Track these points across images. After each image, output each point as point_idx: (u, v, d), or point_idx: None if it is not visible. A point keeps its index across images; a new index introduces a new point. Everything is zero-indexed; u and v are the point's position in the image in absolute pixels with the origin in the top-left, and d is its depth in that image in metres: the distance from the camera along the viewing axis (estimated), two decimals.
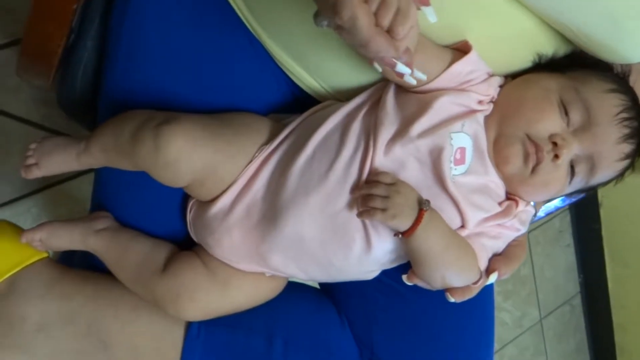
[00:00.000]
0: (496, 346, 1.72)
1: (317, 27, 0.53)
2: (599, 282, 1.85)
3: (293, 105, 0.62)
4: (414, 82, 0.49)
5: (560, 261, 1.86)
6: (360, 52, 0.44)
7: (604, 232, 1.77)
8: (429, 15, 0.44)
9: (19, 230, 0.62)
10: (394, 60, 0.44)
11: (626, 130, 0.54)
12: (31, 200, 1.07)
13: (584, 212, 1.79)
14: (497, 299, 1.71)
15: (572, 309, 1.91)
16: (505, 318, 1.73)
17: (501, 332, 1.72)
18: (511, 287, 1.73)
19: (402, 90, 0.55)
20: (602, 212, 1.74)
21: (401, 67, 0.45)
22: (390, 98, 0.54)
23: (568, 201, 1.12)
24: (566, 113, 0.54)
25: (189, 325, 0.59)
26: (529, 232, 0.61)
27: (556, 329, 1.87)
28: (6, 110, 1.01)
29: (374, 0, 0.41)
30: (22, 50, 0.59)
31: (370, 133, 0.52)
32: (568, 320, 1.91)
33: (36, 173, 0.61)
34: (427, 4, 0.43)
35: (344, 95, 0.58)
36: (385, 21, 0.42)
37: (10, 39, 0.98)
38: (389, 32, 0.42)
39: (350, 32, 0.42)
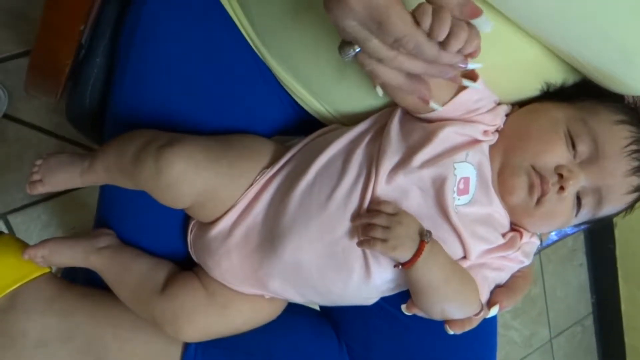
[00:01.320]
0: None
1: (325, 54, 0.53)
2: (612, 302, 1.81)
3: (298, 128, 0.62)
4: (439, 108, 0.50)
5: (573, 280, 1.83)
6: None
7: (618, 253, 1.74)
8: (483, 25, 0.43)
9: (22, 245, 0.63)
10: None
11: (635, 163, 0.53)
12: (41, 207, 1.08)
13: (598, 232, 1.76)
14: (506, 317, 1.68)
15: (583, 330, 1.88)
16: (514, 337, 1.71)
17: (509, 351, 1.70)
18: (521, 306, 1.70)
19: (407, 118, 0.54)
20: (617, 232, 1.71)
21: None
22: (394, 126, 0.53)
23: (578, 229, 1.10)
24: (573, 145, 0.53)
25: (187, 346, 0.59)
26: (540, 250, 0.60)
27: (566, 349, 1.84)
28: (20, 117, 1.02)
29: (426, 18, 0.41)
30: (29, 66, 0.60)
31: (372, 161, 0.52)
32: (579, 340, 1.87)
33: (40, 189, 0.61)
34: (478, 14, 0.42)
35: (350, 120, 0.58)
36: (442, 35, 0.41)
37: (26, 48, 1.00)
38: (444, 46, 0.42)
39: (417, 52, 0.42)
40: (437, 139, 0.51)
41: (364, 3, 0.40)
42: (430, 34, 0.41)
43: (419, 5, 0.41)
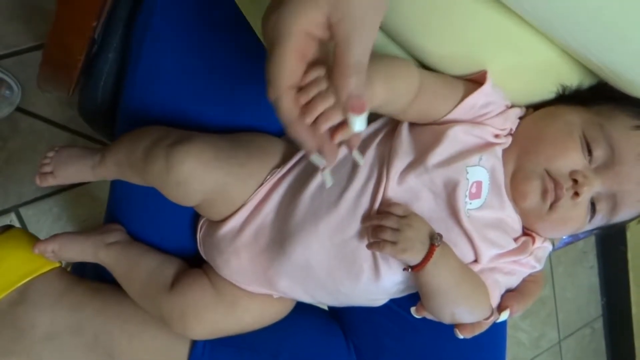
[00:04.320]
0: None
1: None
2: (623, 305, 1.79)
3: None
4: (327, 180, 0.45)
5: (583, 282, 1.81)
6: None
7: (629, 255, 1.72)
8: (355, 124, 0.39)
9: (33, 239, 0.63)
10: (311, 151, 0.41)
11: None
12: (53, 200, 1.09)
13: (610, 234, 1.75)
14: (515, 318, 1.67)
15: (592, 332, 1.86)
16: (522, 338, 1.69)
17: (517, 352, 1.69)
18: (530, 307, 1.68)
19: None
20: (629, 235, 1.69)
21: (315, 158, 0.42)
22: (405, 127, 0.53)
23: (590, 233, 1.09)
24: (589, 150, 0.52)
25: (194, 344, 0.59)
26: (551, 252, 0.59)
27: (575, 351, 1.83)
28: (33, 110, 1.02)
29: (306, 91, 0.39)
30: (42, 61, 0.60)
31: (384, 162, 0.51)
32: (588, 343, 1.86)
33: (51, 181, 0.62)
34: (359, 112, 0.39)
35: None
36: (308, 118, 0.39)
37: (41, 41, 1.00)
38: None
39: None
40: (447, 139, 0.51)
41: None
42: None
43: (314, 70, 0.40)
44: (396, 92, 0.47)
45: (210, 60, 0.57)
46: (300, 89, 0.40)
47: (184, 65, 0.58)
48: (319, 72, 0.40)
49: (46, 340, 0.59)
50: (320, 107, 0.39)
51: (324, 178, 0.45)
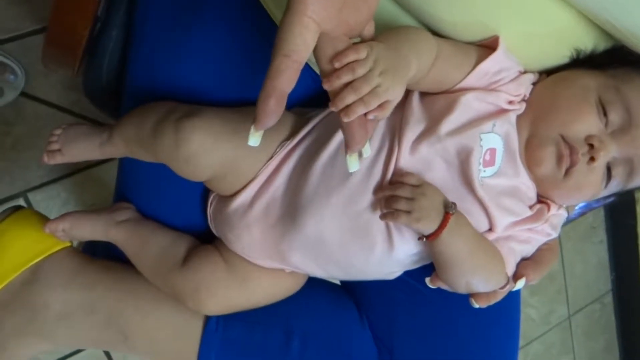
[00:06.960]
0: (522, 342, 1.69)
1: None
2: (632, 280, 1.79)
3: (318, 99, 0.60)
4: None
5: (592, 258, 1.81)
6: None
7: (639, 229, 1.72)
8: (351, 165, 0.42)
9: (43, 219, 0.63)
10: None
11: None
12: (61, 184, 1.09)
13: (619, 208, 1.74)
14: (524, 294, 1.67)
15: (602, 307, 1.86)
16: (532, 314, 1.70)
17: (527, 328, 1.69)
18: (539, 283, 1.68)
19: None
20: (639, 209, 1.68)
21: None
22: (415, 96, 0.52)
23: (604, 202, 1.08)
24: (605, 114, 0.51)
25: (208, 319, 0.59)
26: (562, 225, 0.59)
27: (585, 326, 1.83)
28: (37, 95, 1.02)
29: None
30: (46, 40, 0.59)
31: (395, 132, 0.51)
32: (598, 318, 1.86)
33: (59, 159, 0.62)
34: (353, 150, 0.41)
35: None
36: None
37: (42, 24, 0.99)
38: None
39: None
40: (460, 106, 0.50)
41: None
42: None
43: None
44: (423, 66, 0.47)
45: (217, 31, 0.56)
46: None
47: (188, 39, 0.57)
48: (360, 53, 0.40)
49: (60, 319, 0.59)
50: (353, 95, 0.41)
51: (348, 163, 0.43)
